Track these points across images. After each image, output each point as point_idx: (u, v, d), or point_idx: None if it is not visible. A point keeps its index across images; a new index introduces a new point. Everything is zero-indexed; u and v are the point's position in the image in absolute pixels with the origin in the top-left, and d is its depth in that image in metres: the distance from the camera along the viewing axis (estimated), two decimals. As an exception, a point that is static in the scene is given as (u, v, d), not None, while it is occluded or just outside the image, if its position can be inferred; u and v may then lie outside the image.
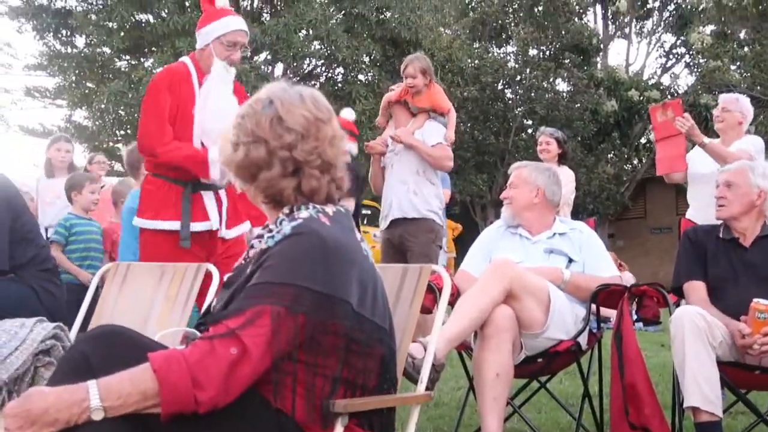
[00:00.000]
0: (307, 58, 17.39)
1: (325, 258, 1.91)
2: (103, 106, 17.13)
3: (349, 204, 6.08)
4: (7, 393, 2.76)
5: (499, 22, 21.69)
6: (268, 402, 1.89)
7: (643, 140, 22.12)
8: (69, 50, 18.60)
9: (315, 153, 2.03)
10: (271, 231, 2.03)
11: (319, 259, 1.90)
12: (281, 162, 2.01)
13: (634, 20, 23.40)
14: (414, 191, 5.43)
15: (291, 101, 2.05)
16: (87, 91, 18.55)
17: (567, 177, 6.42)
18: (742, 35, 19.91)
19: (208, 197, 4.14)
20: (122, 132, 18.03)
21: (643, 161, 21.63)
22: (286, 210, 2.05)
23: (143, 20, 17.50)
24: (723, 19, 18.78)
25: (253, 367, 1.80)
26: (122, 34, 16.95)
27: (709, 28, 20.60)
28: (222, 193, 4.21)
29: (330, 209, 2.05)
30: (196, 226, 4.09)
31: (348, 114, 6.36)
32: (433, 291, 2.89)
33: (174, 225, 4.06)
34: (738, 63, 19.77)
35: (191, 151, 4.05)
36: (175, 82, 4.09)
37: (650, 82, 22.21)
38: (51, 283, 3.71)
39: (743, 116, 5.37)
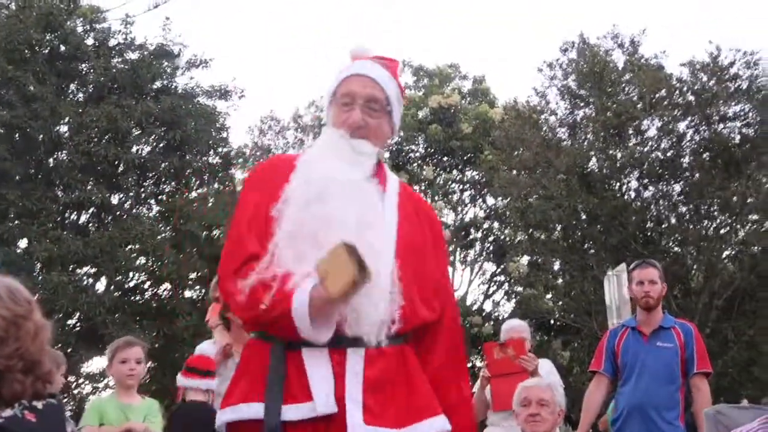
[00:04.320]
0: (131, 273, 17.13)
1: None
2: None
3: None
4: None
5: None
6: None
7: (469, 364, 22.68)
8: None
9: (17, 356, 1.87)
10: None
11: None
12: None
13: (458, 249, 24.72)
14: None
15: None
16: None
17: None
18: (556, 266, 21.31)
19: (314, 360, 2.37)
20: None
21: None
22: None
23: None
24: (536, 250, 20.24)
25: None
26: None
27: (526, 259, 22.05)
28: (356, 354, 2.39)
29: (39, 404, 1.90)
30: (289, 412, 2.33)
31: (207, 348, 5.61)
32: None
33: (256, 411, 2.36)
34: (552, 292, 21.07)
35: (259, 285, 2.33)
36: (269, 175, 2.52)
37: (473, 308, 23.16)
38: None
39: (528, 339, 5.76)
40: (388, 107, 2.52)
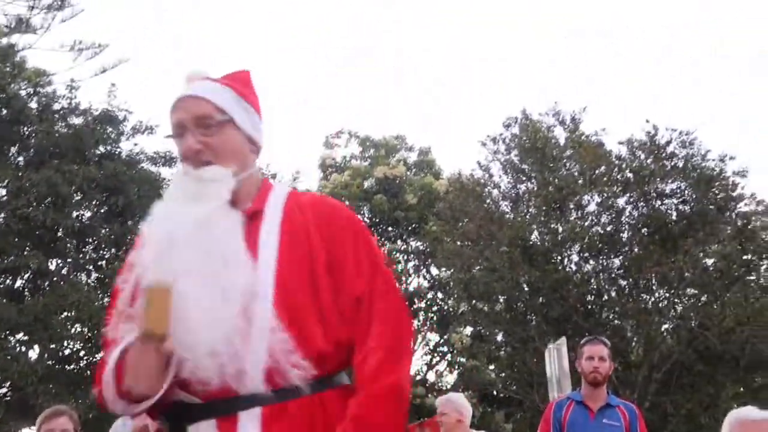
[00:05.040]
0: (67, 340, 16.65)
1: None
2: None
3: None
4: None
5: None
6: None
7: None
8: None
9: None
10: None
11: None
12: None
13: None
14: None
15: None
16: None
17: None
18: (499, 338, 21.37)
19: None
20: None
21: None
22: None
23: None
24: (479, 321, 20.29)
25: None
26: None
27: (469, 329, 22.06)
28: (250, 419, 1.88)
29: None
30: None
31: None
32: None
33: None
34: (494, 363, 21.07)
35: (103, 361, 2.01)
36: (132, 258, 2.14)
37: (416, 378, 23.01)
38: None
39: (460, 413, 5.66)
40: (225, 116, 2.09)
